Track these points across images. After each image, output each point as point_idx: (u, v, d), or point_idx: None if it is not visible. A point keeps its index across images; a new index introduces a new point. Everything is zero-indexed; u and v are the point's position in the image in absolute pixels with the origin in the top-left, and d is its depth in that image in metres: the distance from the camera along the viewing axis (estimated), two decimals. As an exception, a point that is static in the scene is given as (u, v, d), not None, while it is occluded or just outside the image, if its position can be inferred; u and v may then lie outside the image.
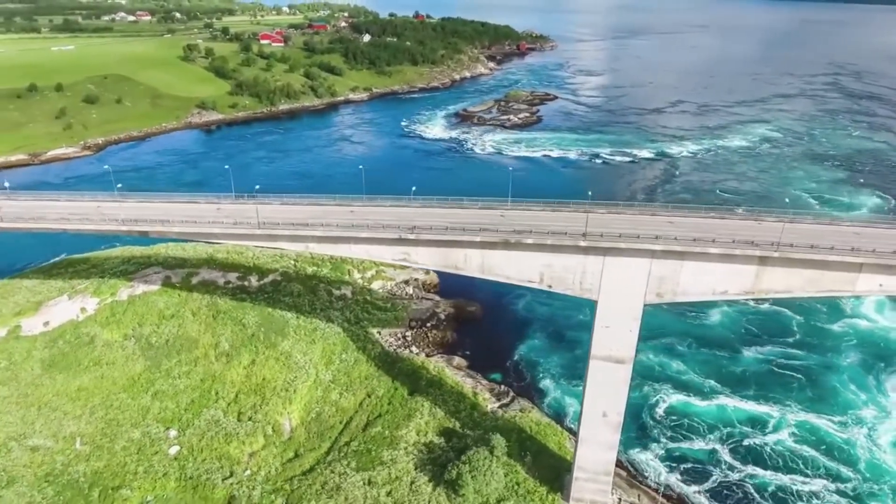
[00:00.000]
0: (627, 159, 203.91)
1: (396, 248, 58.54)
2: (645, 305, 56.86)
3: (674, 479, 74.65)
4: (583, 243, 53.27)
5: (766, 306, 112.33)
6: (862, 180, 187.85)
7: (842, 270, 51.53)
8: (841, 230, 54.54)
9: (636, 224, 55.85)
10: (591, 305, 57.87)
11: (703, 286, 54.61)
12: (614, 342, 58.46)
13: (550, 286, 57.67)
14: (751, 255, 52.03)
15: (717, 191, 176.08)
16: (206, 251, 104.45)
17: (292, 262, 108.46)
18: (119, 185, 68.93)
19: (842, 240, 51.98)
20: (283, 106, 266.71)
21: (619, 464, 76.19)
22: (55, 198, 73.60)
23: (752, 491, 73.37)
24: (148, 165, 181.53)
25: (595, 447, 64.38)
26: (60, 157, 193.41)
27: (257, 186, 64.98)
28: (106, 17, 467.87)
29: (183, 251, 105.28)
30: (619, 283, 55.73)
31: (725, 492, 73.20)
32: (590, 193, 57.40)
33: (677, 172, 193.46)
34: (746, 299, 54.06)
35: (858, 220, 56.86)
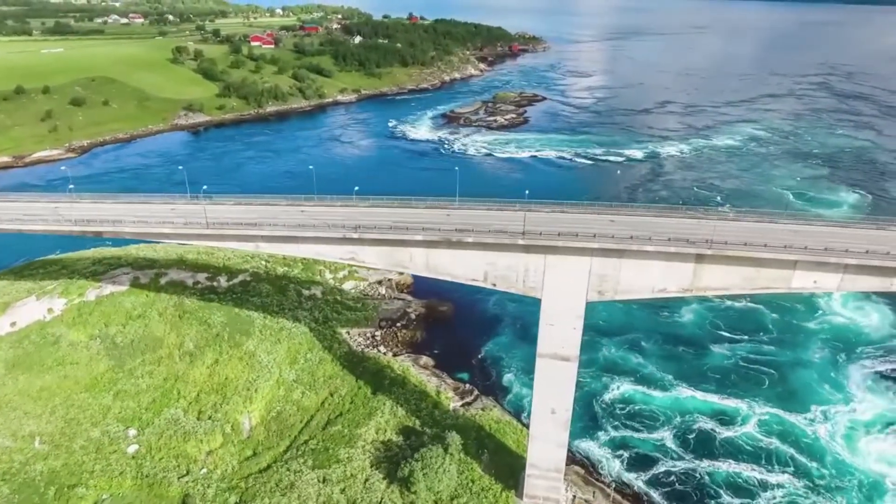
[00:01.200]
0: (611, 159, 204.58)
1: (343, 247, 59.10)
2: (588, 303, 57.51)
3: (632, 477, 75.12)
4: (521, 242, 53.86)
5: (740, 304, 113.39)
6: (841, 177, 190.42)
7: (777, 268, 52.15)
8: (779, 228, 55.12)
9: (578, 223, 56.45)
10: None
11: (643, 284, 55.21)
12: (559, 340, 59.04)
13: (495, 284, 58.26)
14: (688, 253, 52.64)
15: (695, 188, 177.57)
16: (177, 252, 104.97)
17: (263, 262, 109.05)
18: (71, 186, 69.44)
19: (779, 238, 52.58)
20: (271, 108, 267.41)
21: (576, 461, 77.39)
22: (14, 199, 74.07)
23: (710, 483, 74.13)
24: (131, 167, 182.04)
25: (545, 444, 64.93)
26: (45, 160, 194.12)
27: (205, 187, 65.53)
28: (98, 20, 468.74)
29: (154, 252, 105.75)
30: (562, 282, 56.32)
31: (683, 486, 73.78)
32: (526, 192, 58.03)
33: (660, 172, 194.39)
34: (686, 296, 54.15)
35: (797, 218, 57.34)
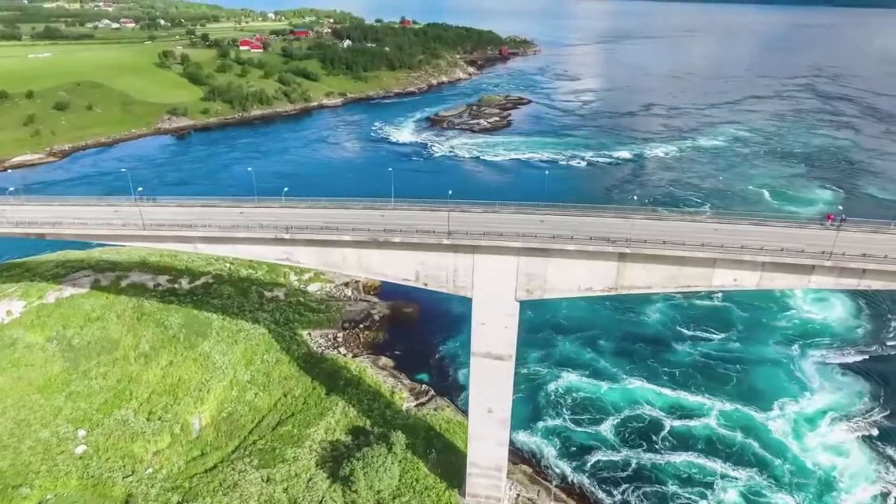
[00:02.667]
0: (592, 161, 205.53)
1: (278, 247, 59.78)
2: (520, 302, 58.20)
3: (579, 474, 75.61)
4: (447, 241, 54.54)
5: (706, 302, 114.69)
6: (818, 175, 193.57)
7: (698, 266, 52.88)
8: (702, 227, 55.83)
9: (506, 223, 57.20)
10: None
11: (570, 283, 55.92)
12: (492, 339, 59.69)
13: (426, 284, 58.95)
14: (611, 252, 53.34)
15: (672, 188, 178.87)
16: (140, 255, 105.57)
17: (227, 265, 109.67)
18: (11, 189, 70.05)
19: (700, 236, 53.31)
20: (256, 111, 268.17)
21: (524, 459, 77.95)
22: (-37, 202, 74.65)
23: (660, 478, 74.67)
24: (108, 171, 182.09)
25: (484, 443, 65.52)
26: (25, 164, 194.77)
27: (140, 188, 66.18)
28: (89, 25, 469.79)
29: (117, 255, 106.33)
30: (491, 281, 57.02)
31: (631, 483, 74.27)
32: (450, 193, 58.68)
33: (640, 173, 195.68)
34: (613, 294, 54.86)
35: (720, 217, 58.02)
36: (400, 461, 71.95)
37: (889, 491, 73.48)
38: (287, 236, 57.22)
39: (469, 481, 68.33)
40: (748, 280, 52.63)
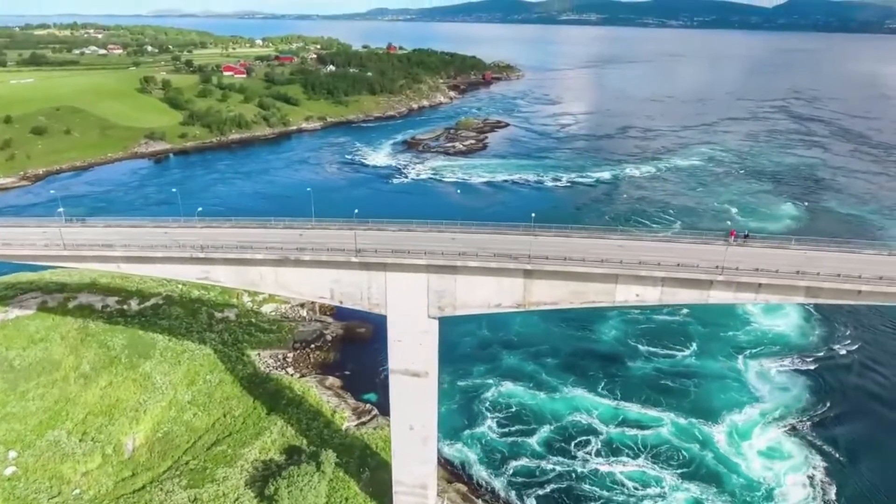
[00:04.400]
0: (563, 183, 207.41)
1: (196, 266, 60.53)
2: (434, 318, 58.98)
3: (515, 492, 75.52)
4: (355, 259, 55.48)
5: (661, 317, 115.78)
6: (785, 191, 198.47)
7: (601, 282, 53.88)
8: (608, 243, 56.97)
9: (418, 240, 58.24)
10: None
11: (479, 300, 56.81)
12: (409, 356, 60.31)
13: (342, 301, 59.75)
14: (516, 269, 54.35)
15: (640, 207, 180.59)
16: (90, 276, 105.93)
17: (179, 286, 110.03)
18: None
19: (603, 252, 54.42)
20: (234, 135, 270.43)
21: (457, 477, 77.95)
22: None
23: (602, 493, 74.56)
24: (79, 194, 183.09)
25: (408, 461, 65.72)
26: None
27: (60, 209, 67.01)
28: (76, 51, 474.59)
29: (68, 276, 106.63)
30: (403, 298, 57.84)
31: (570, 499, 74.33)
32: (356, 211, 59.74)
33: (610, 193, 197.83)
34: (521, 310, 55.73)
35: (625, 234, 59.21)
36: (330, 480, 72.05)
37: (831, 498, 73.92)
38: (202, 255, 58.04)
39: (396, 500, 68.35)
40: (650, 295, 53.62)
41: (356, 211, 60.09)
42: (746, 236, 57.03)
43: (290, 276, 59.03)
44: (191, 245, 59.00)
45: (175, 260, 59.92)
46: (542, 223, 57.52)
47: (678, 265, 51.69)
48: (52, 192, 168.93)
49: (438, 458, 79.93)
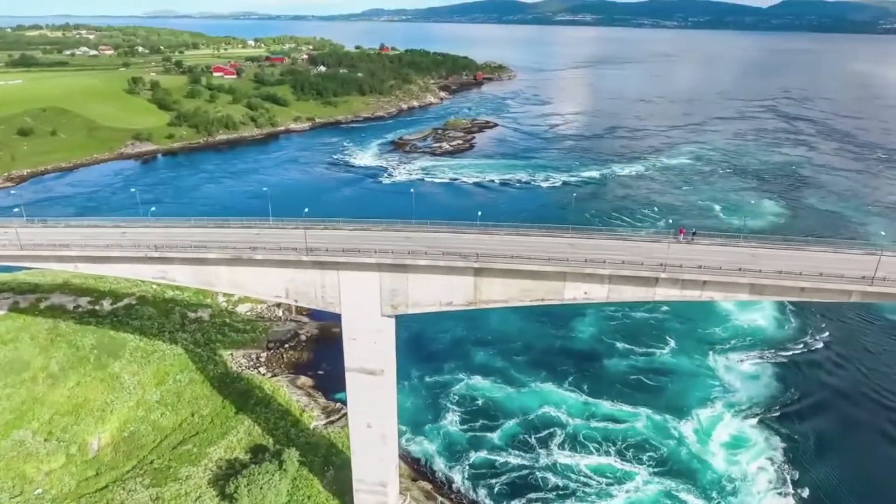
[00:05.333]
0: (547, 183, 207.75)
1: (154, 266, 60.87)
2: (388, 317, 59.42)
3: (480, 489, 75.90)
4: (306, 258, 55.89)
5: (639, 315, 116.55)
6: (768, 189, 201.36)
7: (550, 280, 54.38)
8: (559, 241, 57.51)
9: (371, 240, 58.71)
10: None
11: (431, 298, 57.26)
12: (364, 354, 60.72)
13: (297, 300, 60.25)
14: (466, 267, 54.81)
15: (624, 206, 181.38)
16: (63, 277, 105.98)
17: (153, 286, 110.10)
18: None
19: (554, 251, 54.92)
20: (221, 136, 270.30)
21: (422, 475, 78.39)
22: None
23: (565, 488, 74.95)
24: (60, 195, 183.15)
25: (367, 458, 66.12)
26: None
27: (15, 209, 67.32)
28: (67, 52, 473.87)
29: (41, 277, 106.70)
30: (356, 297, 58.28)
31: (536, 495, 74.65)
32: (306, 210, 60.17)
33: (598, 192, 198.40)
34: (472, 308, 56.21)
35: (579, 232, 59.64)
36: (294, 479, 72.46)
37: (796, 492, 74.65)
38: (156, 254, 58.38)
39: (357, 497, 68.77)
40: (598, 293, 54.14)
41: (306, 210, 60.51)
42: (694, 234, 57.62)
43: (246, 275, 59.40)
44: (146, 245, 59.31)
45: (131, 260, 60.26)
46: (493, 221, 58.08)
47: (623, 262, 52.22)
48: (37, 193, 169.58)
49: (404, 456, 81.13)
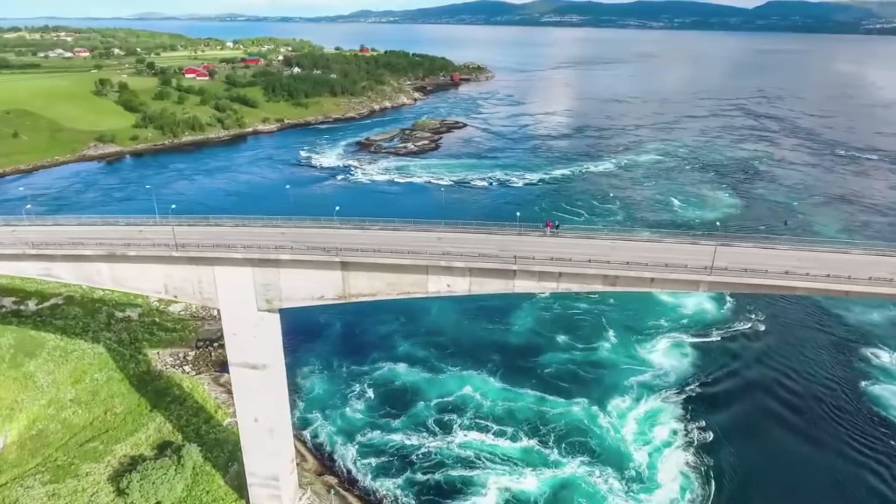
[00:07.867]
0: (508, 182, 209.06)
1: (37, 264, 61.54)
2: (266, 312, 60.35)
3: (385, 482, 76.66)
4: (177, 254, 56.77)
5: (583, 305, 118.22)
6: (726, 182, 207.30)
7: (413, 273, 55.52)
8: (429, 236, 58.66)
9: (245, 235, 59.65)
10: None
11: (303, 292, 58.28)
12: (245, 349, 61.60)
13: (176, 296, 61.08)
14: (332, 262, 55.84)
15: (580, 201, 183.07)
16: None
17: (81, 286, 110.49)
18: None
19: (419, 245, 56.08)
20: (187, 138, 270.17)
21: (329, 469, 79.26)
22: None
23: (475, 480, 75.96)
24: (18, 196, 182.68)
25: (257, 453, 66.88)
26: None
27: None
28: (41, 54, 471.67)
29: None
30: (233, 292, 59.18)
31: (444, 486, 75.58)
32: (172, 207, 61.03)
33: (563, 190, 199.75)
34: (342, 302, 57.25)
35: (450, 227, 60.75)
36: (197, 474, 73.21)
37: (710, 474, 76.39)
38: (33, 252, 59.07)
39: (251, 491, 69.56)
40: (460, 285, 55.32)
41: (173, 206, 61.37)
42: (557, 227, 58.93)
43: (125, 271, 60.19)
44: (23, 242, 59.98)
45: (10, 257, 60.89)
46: (367, 217, 59.10)
47: (479, 256, 53.41)
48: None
49: (312, 451, 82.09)
